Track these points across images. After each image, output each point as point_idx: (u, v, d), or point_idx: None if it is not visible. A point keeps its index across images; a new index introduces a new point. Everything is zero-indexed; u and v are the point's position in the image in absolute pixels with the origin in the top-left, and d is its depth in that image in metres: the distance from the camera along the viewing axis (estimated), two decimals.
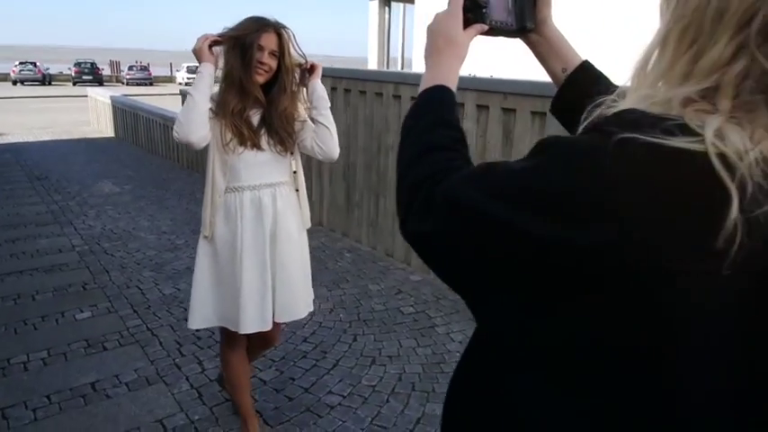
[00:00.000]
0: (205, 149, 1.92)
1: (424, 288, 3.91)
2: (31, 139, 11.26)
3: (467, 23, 0.83)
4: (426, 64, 0.80)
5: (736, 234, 0.47)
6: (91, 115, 13.80)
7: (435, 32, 0.80)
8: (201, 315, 2.00)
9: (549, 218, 0.53)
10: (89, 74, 31.95)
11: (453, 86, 0.78)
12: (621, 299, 0.52)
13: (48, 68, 34.10)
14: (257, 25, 1.85)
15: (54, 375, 2.74)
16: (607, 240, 0.50)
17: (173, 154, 8.69)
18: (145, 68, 34.73)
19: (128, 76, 33.75)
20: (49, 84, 32.15)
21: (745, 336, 0.53)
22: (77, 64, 33.08)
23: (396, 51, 13.82)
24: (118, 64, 40.53)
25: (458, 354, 3.02)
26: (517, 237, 0.55)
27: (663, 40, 0.57)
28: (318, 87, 1.98)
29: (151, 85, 33.32)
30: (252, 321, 1.95)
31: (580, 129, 0.58)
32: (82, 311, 3.44)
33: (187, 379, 2.72)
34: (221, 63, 1.87)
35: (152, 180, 7.43)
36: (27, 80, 31.16)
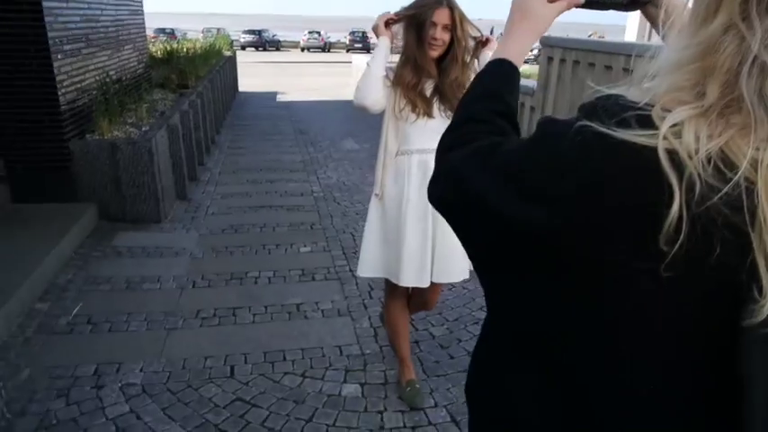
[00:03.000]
0: (381, 116, 2.12)
1: None
2: (304, 98, 13.26)
3: None
4: (503, 35, 0.82)
5: (679, 234, 0.44)
6: (352, 79, 15.54)
7: (514, 4, 0.81)
8: (368, 265, 2.25)
9: (511, 194, 0.55)
10: (360, 42, 35.63)
11: (518, 59, 0.79)
12: (567, 280, 0.52)
13: (329, 37, 39.08)
14: (430, 2, 1.94)
15: (274, 292, 3.37)
16: (549, 223, 0.51)
17: None
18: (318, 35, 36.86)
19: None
20: (329, 51, 36.88)
21: (685, 338, 0.49)
22: (352, 33, 37.18)
23: None
24: None
25: None
26: (488, 207, 0.58)
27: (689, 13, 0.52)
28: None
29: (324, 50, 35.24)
30: (410, 277, 2.13)
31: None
32: (305, 246, 4.10)
33: (369, 318, 3.08)
34: (400, 38, 2.02)
35: None
36: (312, 47, 36.30)
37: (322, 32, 38.29)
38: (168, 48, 10.06)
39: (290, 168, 6.43)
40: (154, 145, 4.23)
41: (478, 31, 2.04)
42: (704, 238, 0.45)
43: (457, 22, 1.96)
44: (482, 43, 2.04)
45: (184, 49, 10.47)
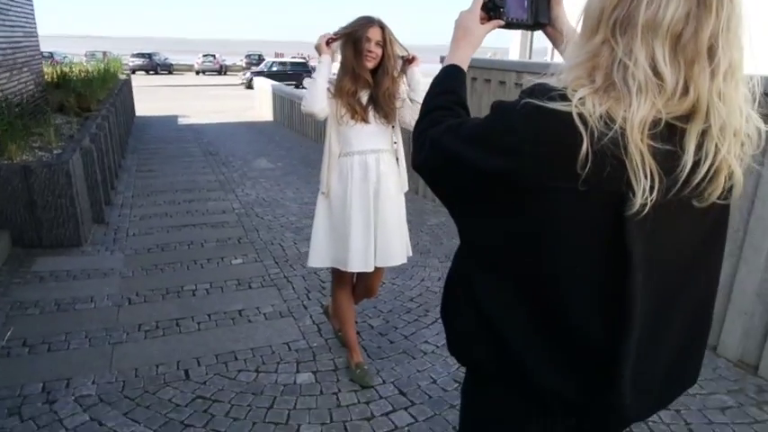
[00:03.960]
0: (324, 123, 2.40)
1: None
2: (207, 121, 13.08)
3: (488, 19, 1.14)
4: (449, 48, 1.14)
5: (587, 162, 0.77)
6: (255, 102, 15.56)
7: (457, 24, 1.13)
8: (318, 257, 2.50)
9: (480, 151, 0.86)
10: (256, 64, 35.41)
11: (464, 65, 1.11)
12: (520, 204, 0.84)
13: (224, 60, 38.41)
14: (364, 21, 2.27)
15: (213, 301, 3.47)
16: (508, 166, 0.82)
17: (321, 138, 9.62)
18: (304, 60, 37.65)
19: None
20: (225, 73, 36.23)
21: (597, 234, 0.83)
22: (248, 56, 36.84)
23: (540, 42, 13.56)
24: (281, 56, 44.33)
25: None
26: (463, 162, 0.89)
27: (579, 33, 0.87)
28: (416, 74, 2.35)
29: (309, 75, 36.01)
30: (357, 262, 2.40)
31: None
32: (236, 258, 4.21)
33: (311, 316, 3.28)
34: (338, 56, 2.32)
35: (301, 159, 8.35)
36: (208, 70, 35.49)
37: (217, 55, 37.57)
38: (59, 71, 9.61)
39: (206, 188, 6.44)
40: (71, 167, 4.15)
41: (405, 50, 2.38)
42: (601, 163, 0.77)
43: (387, 40, 2.29)
44: (408, 61, 2.39)
45: (76, 72, 10.04)
